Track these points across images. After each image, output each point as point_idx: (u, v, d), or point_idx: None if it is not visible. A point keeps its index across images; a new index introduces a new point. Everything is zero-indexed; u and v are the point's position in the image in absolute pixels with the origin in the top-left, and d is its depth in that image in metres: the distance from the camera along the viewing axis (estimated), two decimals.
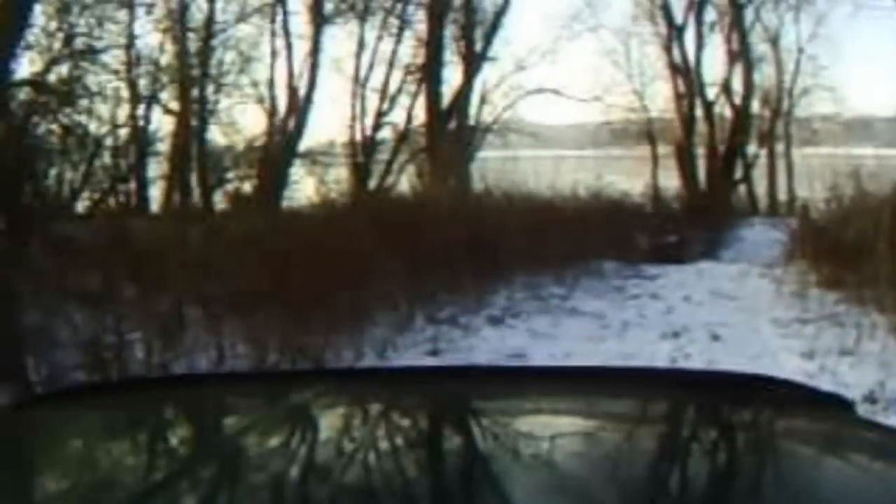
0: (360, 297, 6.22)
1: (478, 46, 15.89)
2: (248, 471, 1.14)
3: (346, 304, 6.00)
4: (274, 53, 14.24)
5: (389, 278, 6.61)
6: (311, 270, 5.88)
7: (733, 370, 1.59)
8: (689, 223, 12.17)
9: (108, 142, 12.03)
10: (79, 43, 11.10)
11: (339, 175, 15.13)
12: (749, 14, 15.69)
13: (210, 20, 13.45)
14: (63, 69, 11.48)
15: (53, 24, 10.70)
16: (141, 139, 12.68)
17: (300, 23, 14.52)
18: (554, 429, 1.32)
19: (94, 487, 1.12)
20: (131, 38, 12.43)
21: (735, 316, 6.93)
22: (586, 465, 1.16)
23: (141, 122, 12.75)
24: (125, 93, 12.29)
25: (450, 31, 15.79)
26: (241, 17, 13.47)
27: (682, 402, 1.41)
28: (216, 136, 14.13)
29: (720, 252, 11.18)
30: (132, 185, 12.57)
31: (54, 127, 11.41)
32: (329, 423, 1.36)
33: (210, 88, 13.78)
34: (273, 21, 14.28)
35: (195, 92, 13.47)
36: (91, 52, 11.40)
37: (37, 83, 8.69)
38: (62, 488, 1.14)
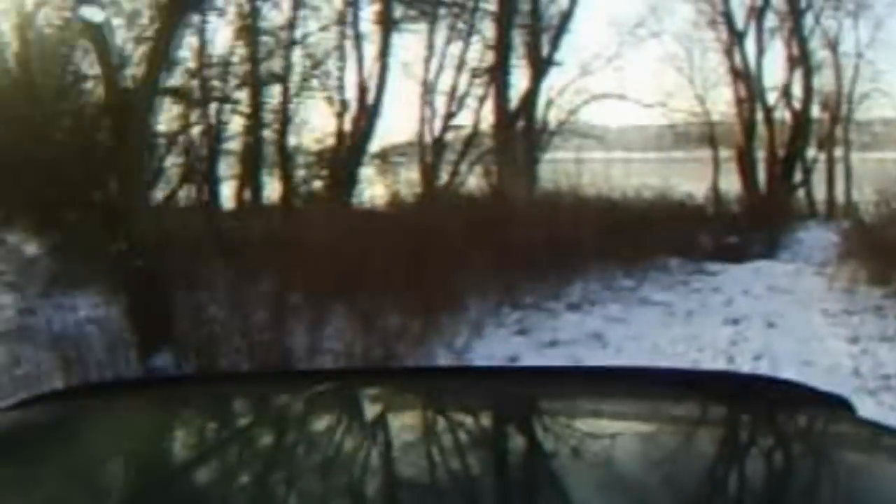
0: (454, 286, 7.25)
1: (544, 51, 16.82)
2: (247, 471, 1.17)
3: (442, 291, 7.03)
4: (343, 57, 15.05)
5: (478, 269, 7.64)
6: (411, 262, 6.93)
7: (733, 370, 1.69)
8: (749, 225, 13.00)
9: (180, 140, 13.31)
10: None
11: (408, 175, 16.21)
12: (808, 20, 16.26)
13: (290, 24, 14.53)
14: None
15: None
16: (212, 138, 13.61)
17: (369, 27, 15.55)
18: (554, 429, 1.36)
19: (94, 487, 1.15)
20: (203, 39, 13.39)
21: (789, 307, 7.87)
22: (586, 465, 1.18)
23: (212, 121, 13.62)
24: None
25: (517, 36, 16.76)
26: (323, 27, 14.51)
27: (682, 402, 1.42)
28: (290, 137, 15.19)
29: (778, 252, 12.02)
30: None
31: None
32: (329, 423, 1.38)
33: (282, 90, 14.80)
34: (343, 24, 15.41)
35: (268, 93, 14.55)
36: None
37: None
38: (62, 488, 1.15)
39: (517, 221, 8.99)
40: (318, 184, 14.90)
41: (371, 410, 1.44)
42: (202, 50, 13.48)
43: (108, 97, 6.31)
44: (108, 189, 6.32)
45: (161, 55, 6.36)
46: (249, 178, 14.67)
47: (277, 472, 1.16)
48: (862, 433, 1.34)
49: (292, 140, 14.97)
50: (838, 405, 1.42)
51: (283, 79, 14.55)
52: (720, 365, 5.86)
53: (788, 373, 5.46)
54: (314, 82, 15.09)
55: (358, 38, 15.07)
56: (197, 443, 1.32)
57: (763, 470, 1.16)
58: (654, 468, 1.15)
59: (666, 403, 1.41)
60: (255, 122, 14.16)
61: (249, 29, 13.94)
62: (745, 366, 5.80)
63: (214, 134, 13.31)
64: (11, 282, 8.40)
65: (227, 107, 13.59)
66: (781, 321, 7.24)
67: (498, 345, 6.43)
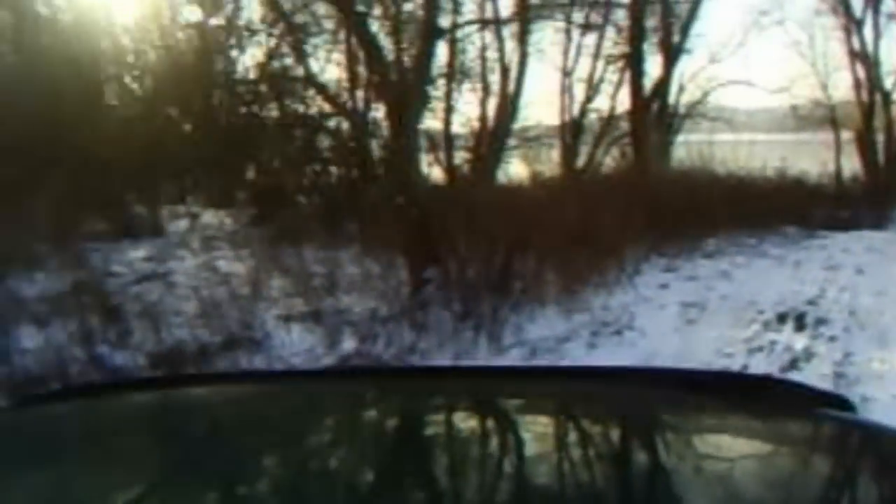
0: (617, 241, 10.47)
1: (675, 38, 19.68)
2: (246, 471, 1.24)
3: (610, 244, 10.25)
4: (485, 46, 17.49)
5: (635, 228, 10.85)
6: (585, 224, 10.17)
7: (734, 370, 2.04)
8: (863, 201, 15.81)
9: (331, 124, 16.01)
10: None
11: (546, 157, 19.38)
12: None
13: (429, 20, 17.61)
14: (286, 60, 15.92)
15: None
16: (359, 122, 15.60)
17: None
18: (554, 429, 1.45)
19: (94, 487, 1.24)
20: (349, 30, 15.40)
21: (879, 261, 10.90)
22: (587, 465, 1.26)
23: (360, 106, 15.91)
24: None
25: (649, 25, 19.61)
26: (483, 23, 17.60)
27: (682, 401, 1.50)
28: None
29: (886, 225, 14.90)
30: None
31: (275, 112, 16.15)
32: (328, 422, 1.49)
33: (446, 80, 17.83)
34: (483, 14, 17.41)
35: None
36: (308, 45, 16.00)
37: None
38: (62, 488, 1.22)
39: (660, 193, 12.19)
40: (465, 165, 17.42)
41: (369, 410, 1.53)
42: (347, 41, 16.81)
43: (384, 97, 9.82)
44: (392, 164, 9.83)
45: (426, 64, 9.82)
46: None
47: (277, 472, 1.26)
48: (862, 433, 1.41)
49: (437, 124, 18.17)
50: (838, 405, 1.47)
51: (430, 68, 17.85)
52: (814, 291, 9.01)
53: (864, 298, 8.60)
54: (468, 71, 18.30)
55: (498, 28, 17.13)
56: (197, 442, 1.36)
57: (763, 470, 1.24)
58: (655, 468, 1.24)
59: (666, 403, 1.49)
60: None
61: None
62: (831, 292, 8.96)
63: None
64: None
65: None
66: (869, 269, 10.30)
67: (652, 277, 9.69)
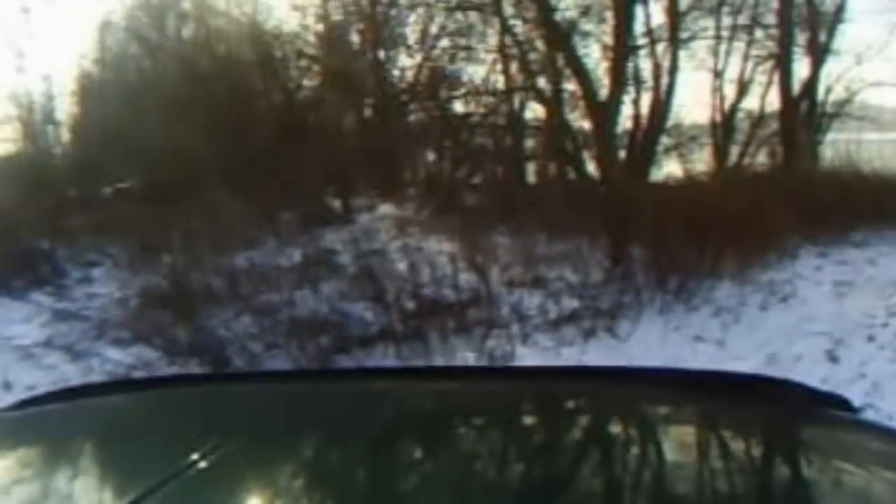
0: (775, 230, 12.69)
1: (822, 40, 21.31)
2: (245, 471, 1.32)
3: (769, 232, 12.48)
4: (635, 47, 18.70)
5: (790, 220, 13.04)
6: (749, 214, 12.42)
7: (733, 370, 1.78)
8: None
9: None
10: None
11: (698, 155, 21.35)
12: None
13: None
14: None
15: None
16: (515, 123, 17.74)
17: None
18: (554, 429, 1.55)
19: (94, 487, 1.33)
20: (503, 34, 17.05)
21: None
22: (586, 465, 1.35)
23: (516, 108, 17.64)
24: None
25: (797, 25, 20.96)
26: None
27: (682, 402, 1.58)
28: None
29: None
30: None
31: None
32: (327, 422, 1.55)
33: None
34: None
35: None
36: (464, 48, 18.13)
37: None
38: (62, 488, 1.30)
39: (811, 189, 14.37)
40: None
41: (369, 410, 1.59)
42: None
43: (587, 103, 12.40)
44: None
45: (621, 73, 12.36)
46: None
47: (278, 471, 1.32)
48: (862, 433, 1.50)
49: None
50: (838, 405, 1.56)
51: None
52: None
53: None
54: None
55: (649, 27, 18.18)
56: (197, 442, 1.40)
57: (763, 470, 1.33)
58: (654, 468, 1.32)
59: (666, 403, 1.58)
60: (551, 108, 18.26)
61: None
62: None
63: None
64: None
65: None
66: None
67: (807, 261, 11.90)
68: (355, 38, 19.48)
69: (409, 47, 18.73)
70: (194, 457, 1.32)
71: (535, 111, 18.14)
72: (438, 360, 8.21)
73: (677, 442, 1.50)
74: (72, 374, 9.08)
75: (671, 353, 8.18)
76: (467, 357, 8.14)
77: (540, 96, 16.87)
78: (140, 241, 13.59)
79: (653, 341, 8.49)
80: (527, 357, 8.14)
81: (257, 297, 10.07)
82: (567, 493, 1.24)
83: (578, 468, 1.35)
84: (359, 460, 1.38)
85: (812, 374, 7.31)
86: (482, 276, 10.03)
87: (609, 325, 8.95)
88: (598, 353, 8.19)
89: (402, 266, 11.05)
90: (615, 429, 1.59)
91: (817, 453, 1.43)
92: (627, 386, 1.67)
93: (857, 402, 6.79)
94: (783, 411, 1.54)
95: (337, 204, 17.61)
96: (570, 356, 8.14)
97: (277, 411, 1.63)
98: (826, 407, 1.58)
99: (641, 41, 16.75)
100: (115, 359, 9.37)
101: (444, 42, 18.51)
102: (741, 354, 8.00)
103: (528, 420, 1.65)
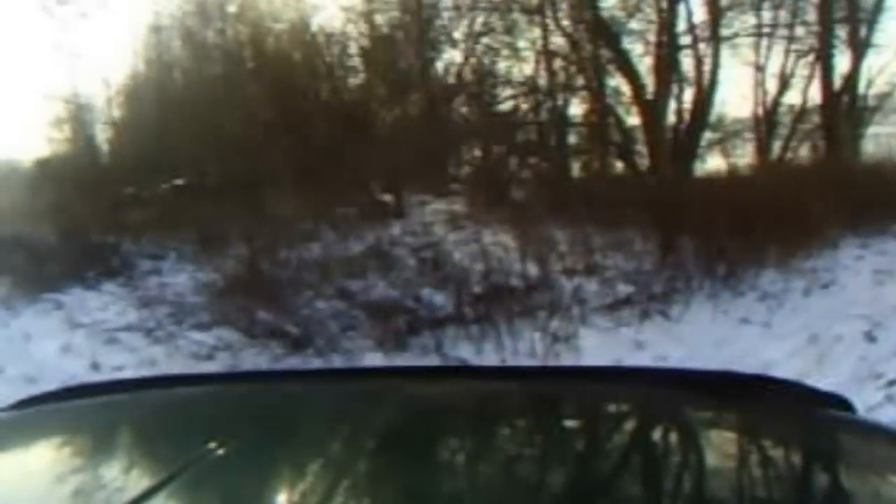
0: (817, 221, 13.43)
1: (862, 34, 21.19)
2: (247, 471, 1.32)
3: (811, 224, 13.23)
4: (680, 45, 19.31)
5: (832, 212, 13.77)
6: (792, 206, 13.19)
7: (734, 370, 1.79)
8: None
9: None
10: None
11: (741, 149, 21.94)
12: None
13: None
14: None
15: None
16: (558, 119, 18.42)
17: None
18: (554, 429, 1.58)
19: (93, 487, 1.32)
20: (546, 32, 17.95)
21: None
22: (586, 465, 1.36)
23: (559, 104, 18.33)
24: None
25: (838, 20, 20.82)
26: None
27: (682, 402, 1.60)
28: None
29: None
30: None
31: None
32: (327, 422, 1.58)
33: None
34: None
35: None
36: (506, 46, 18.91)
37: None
38: (62, 488, 1.31)
39: (852, 182, 15.10)
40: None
41: (368, 410, 1.61)
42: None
43: (636, 100, 13.27)
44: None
45: (667, 70, 13.25)
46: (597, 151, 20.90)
47: (278, 471, 1.34)
48: (862, 433, 1.51)
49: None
50: (838, 405, 1.57)
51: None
52: None
53: None
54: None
55: (691, 23, 18.44)
56: (196, 442, 1.44)
57: (763, 470, 1.33)
58: (655, 468, 1.34)
59: (666, 403, 1.59)
60: (594, 104, 18.53)
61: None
62: None
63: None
64: None
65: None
66: None
67: (848, 251, 12.62)
68: (401, 35, 20.10)
69: (454, 42, 19.60)
70: (194, 456, 1.36)
71: (577, 107, 18.72)
72: (506, 341, 9.09)
73: (677, 442, 1.54)
74: (158, 356, 10.04)
75: (720, 334, 9.03)
76: (534, 336, 8.96)
77: (592, 93, 17.58)
78: (203, 234, 14.52)
79: (703, 323, 9.33)
80: (588, 336, 8.99)
81: (331, 283, 10.97)
82: (568, 493, 1.26)
83: (579, 468, 1.38)
84: (358, 460, 1.40)
85: (851, 352, 8.14)
86: (542, 264, 10.88)
87: (662, 308, 9.80)
88: (653, 333, 9.05)
89: (459, 256, 11.89)
90: (615, 429, 1.61)
91: (817, 453, 1.45)
92: (627, 386, 1.73)
93: (892, 376, 7.48)
94: (783, 411, 1.57)
95: (389, 199, 18.41)
96: (627, 335, 9.00)
97: (277, 411, 1.67)
98: (826, 407, 1.61)
99: (684, 39, 17.79)
100: (199, 339, 10.29)
101: (487, 40, 19.16)
102: (785, 335, 8.81)
103: (530, 419, 1.68)
